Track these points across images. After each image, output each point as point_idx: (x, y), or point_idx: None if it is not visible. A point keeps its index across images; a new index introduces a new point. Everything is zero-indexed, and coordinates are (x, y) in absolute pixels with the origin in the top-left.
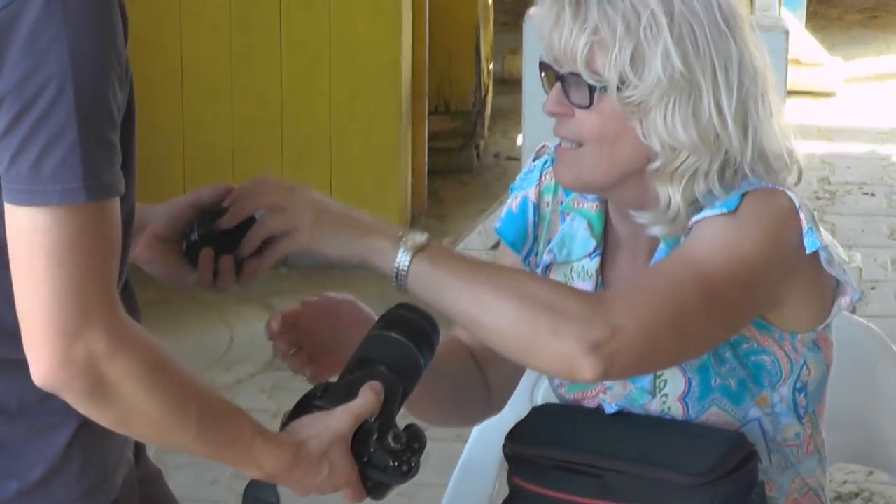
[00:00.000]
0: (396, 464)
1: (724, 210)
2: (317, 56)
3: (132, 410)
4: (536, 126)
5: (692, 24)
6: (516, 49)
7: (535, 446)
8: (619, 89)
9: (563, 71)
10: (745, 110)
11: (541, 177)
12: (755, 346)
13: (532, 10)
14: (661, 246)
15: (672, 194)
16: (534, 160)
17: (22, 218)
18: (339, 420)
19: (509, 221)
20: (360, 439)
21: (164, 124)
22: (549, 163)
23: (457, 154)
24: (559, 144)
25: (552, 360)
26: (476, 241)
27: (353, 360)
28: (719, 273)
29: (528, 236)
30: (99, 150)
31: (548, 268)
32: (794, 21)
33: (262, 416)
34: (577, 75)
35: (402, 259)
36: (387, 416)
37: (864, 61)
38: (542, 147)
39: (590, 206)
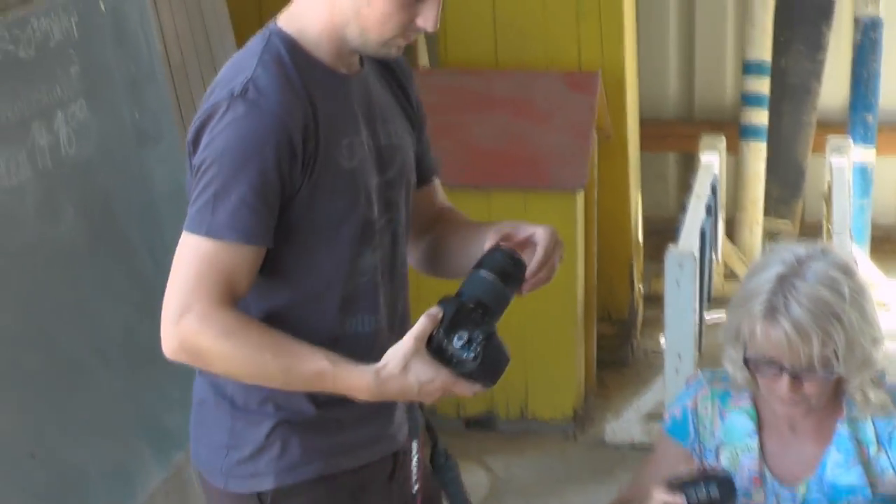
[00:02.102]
0: (467, 355)
1: None
2: None
3: (227, 367)
4: (674, 332)
5: (866, 301)
6: (659, 274)
7: None
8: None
9: (798, 370)
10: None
11: (696, 394)
12: None
13: (758, 331)
14: (842, 429)
15: (866, 392)
16: (687, 384)
17: (182, 237)
18: (404, 342)
19: (675, 424)
20: (436, 350)
21: None
22: (701, 383)
23: (617, 351)
24: (785, 398)
25: None
26: (632, 414)
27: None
28: None
29: (690, 432)
30: (227, 209)
31: (718, 450)
32: (861, 252)
33: None
34: (813, 371)
35: None
36: (447, 325)
37: None
38: (692, 375)
39: (745, 403)
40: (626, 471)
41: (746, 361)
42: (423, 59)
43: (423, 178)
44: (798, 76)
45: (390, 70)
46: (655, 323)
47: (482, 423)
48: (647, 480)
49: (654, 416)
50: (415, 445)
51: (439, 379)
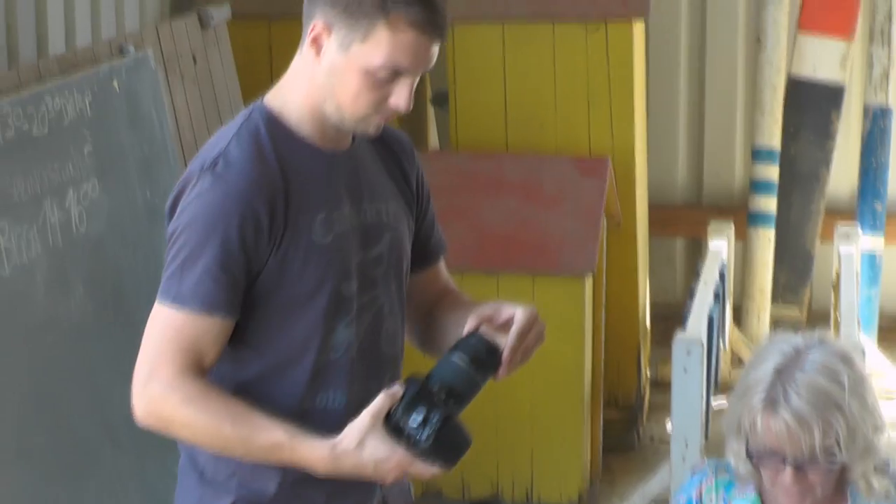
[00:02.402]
0: (421, 435)
1: None
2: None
3: (190, 435)
4: (681, 418)
5: (866, 389)
6: (666, 360)
7: None
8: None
9: (801, 461)
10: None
11: (700, 484)
12: None
13: (759, 423)
14: None
15: (870, 479)
16: (692, 473)
17: (154, 305)
18: (360, 418)
19: None
20: (393, 428)
21: None
22: (706, 473)
23: (623, 436)
24: (790, 490)
25: None
26: (637, 500)
27: None
28: None
29: None
30: (192, 279)
31: None
32: (869, 340)
33: None
34: (816, 462)
35: None
36: (406, 404)
37: None
38: (697, 465)
39: (750, 492)
40: None
41: (749, 454)
42: (434, 140)
43: (426, 259)
44: (807, 163)
45: (389, 149)
46: (662, 409)
47: None
48: None
49: (660, 502)
50: None
51: (395, 457)
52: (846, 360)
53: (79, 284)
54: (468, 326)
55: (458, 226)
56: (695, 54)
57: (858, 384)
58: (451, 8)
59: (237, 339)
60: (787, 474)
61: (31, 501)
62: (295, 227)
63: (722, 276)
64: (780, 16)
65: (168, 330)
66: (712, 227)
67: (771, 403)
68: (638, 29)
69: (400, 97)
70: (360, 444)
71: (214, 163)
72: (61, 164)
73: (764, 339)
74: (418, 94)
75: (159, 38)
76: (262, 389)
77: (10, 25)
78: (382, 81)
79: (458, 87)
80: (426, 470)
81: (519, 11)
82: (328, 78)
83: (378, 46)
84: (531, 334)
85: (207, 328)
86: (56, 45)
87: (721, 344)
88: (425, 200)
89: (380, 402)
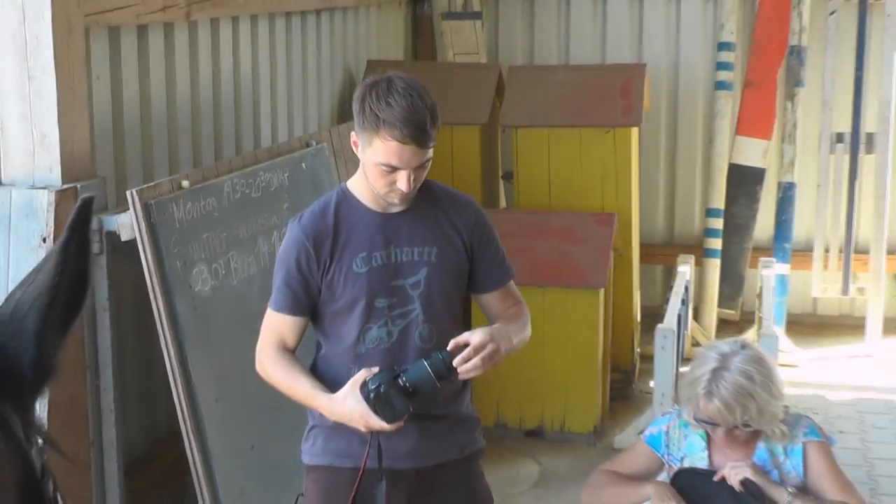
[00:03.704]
0: (371, 396)
1: (821, 439)
2: (551, 341)
3: (274, 383)
4: (660, 379)
5: (772, 381)
6: (650, 342)
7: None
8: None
9: (730, 427)
10: None
11: (669, 422)
12: None
13: (701, 405)
14: (761, 446)
15: (775, 429)
16: (663, 414)
17: None
18: (347, 384)
19: (653, 438)
20: (365, 393)
21: None
22: (672, 416)
23: (623, 390)
24: (723, 442)
25: None
26: (631, 430)
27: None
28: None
29: (662, 447)
30: (274, 290)
31: (682, 460)
32: (780, 330)
33: None
34: (739, 428)
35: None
36: (373, 378)
37: (812, 351)
38: (668, 410)
39: (699, 432)
40: None
41: (695, 419)
42: (503, 202)
43: (488, 285)
44: (741, 218)
45: (446, 209)
46: (648, 373)
47: (535, 434)
48: (626, 463)
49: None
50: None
51: (359, 410)
52: (758, 361)
53: None
54: (450, 346)
55: (519, 258)
56: (670, 148)
57: (766, 378)
58: (515, 118)
59: (318, 331)
60: (720, 432)
61: (246, 424)
62: (340, 261)
63: (686, 290)
64: (725, 125)
65: (266, 322)
66: (680, 258)
67: (708, 394)
68: (634, 132)
69: (401, 184)
70: (343, 399)
71: (295, 218)
72: (269, 215)
73: (705, 345)
74: (493, 172)
75: (331, 136)
76: (329, 363)
77: (238, 127)
78: (387, 172)
79: (520, 168)
80: (377, 423)
81: (559, 121)
82: (363, 167)
83: (377, 151)
84: (484, 352)
85: (282, 322)
86: (265, 139)
87: (685, 332)
88: (483, 245)
89: (359, 374)
